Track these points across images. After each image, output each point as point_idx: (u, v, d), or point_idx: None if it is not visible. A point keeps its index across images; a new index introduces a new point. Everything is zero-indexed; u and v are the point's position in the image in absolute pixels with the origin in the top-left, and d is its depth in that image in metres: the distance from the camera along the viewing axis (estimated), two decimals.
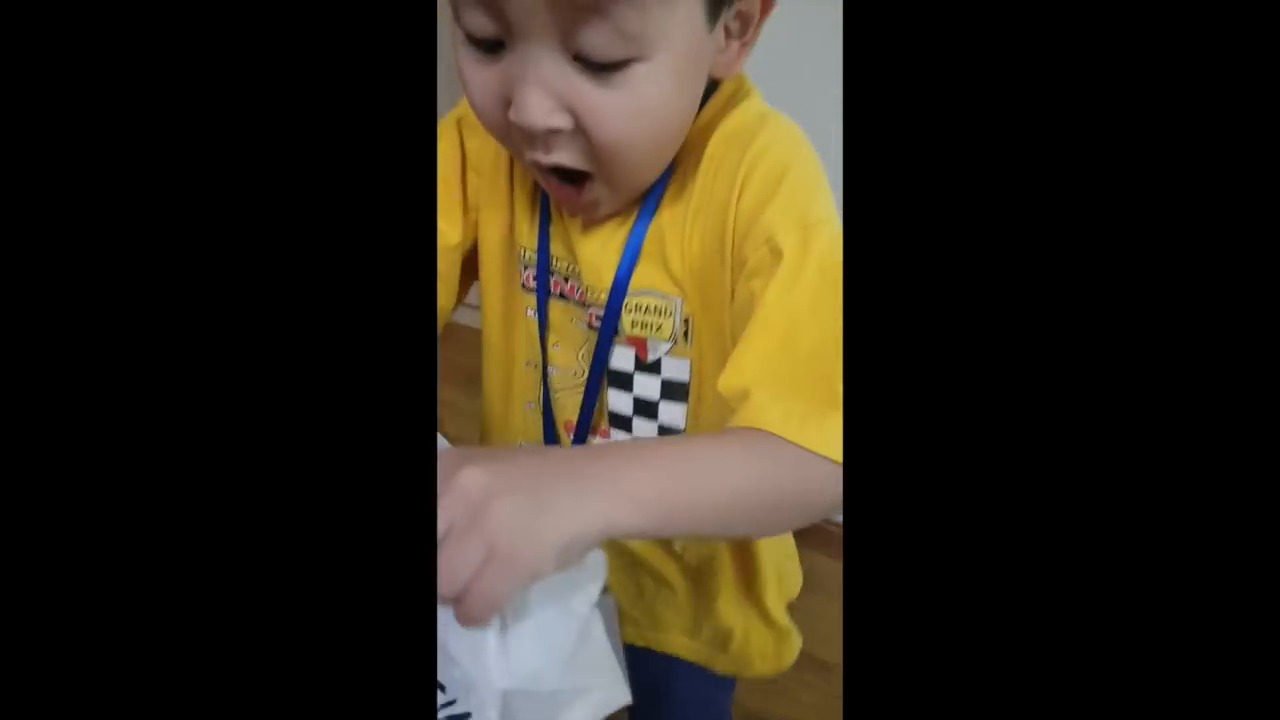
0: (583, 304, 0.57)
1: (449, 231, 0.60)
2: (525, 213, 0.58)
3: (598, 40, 0.40)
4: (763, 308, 0.46)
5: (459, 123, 0.60)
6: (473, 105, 0.47)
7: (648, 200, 0.53)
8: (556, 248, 0.57)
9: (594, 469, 0.39)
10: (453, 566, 0.34)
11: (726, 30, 0.47)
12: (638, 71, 0.42)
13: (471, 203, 0.61)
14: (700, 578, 0.66)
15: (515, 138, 0.46)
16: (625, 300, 0.55)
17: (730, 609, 0.67)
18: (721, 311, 0.53)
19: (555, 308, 0.59)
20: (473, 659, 0.38)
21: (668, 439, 0.55)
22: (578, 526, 0.37)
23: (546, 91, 0.42)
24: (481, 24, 0.42)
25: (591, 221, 0.55)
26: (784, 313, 0.45)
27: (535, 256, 0.58)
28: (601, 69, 0.42)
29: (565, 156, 0.46)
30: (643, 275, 0.54)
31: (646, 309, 0.55)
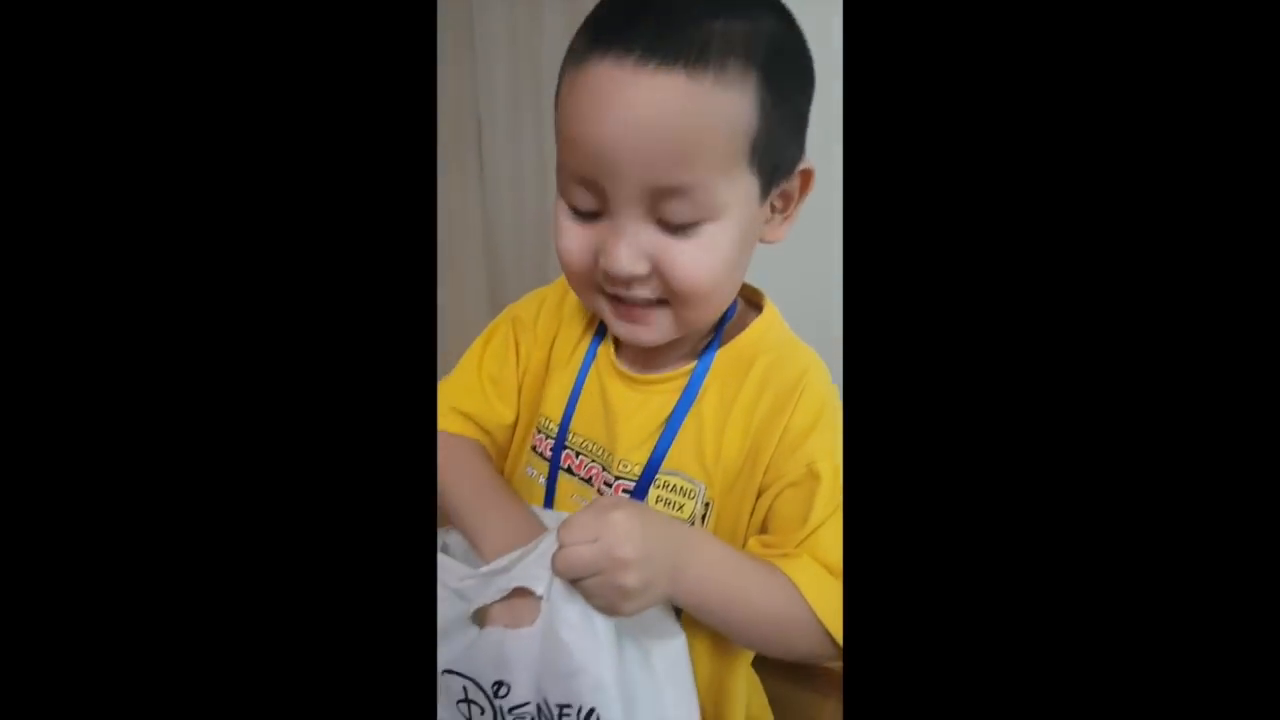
0: (589, 481, 0.66)
1: (505, 412, 0.71)
2: (558, 388, 0.69)
3: (678, 210, 0.53)
4: (815, 511, 0.58)
5: (513, 322, 0.73)
6: (562, 255, 0.58)
7: (688, 389, 0.63)
8: (584, 425, 0.66)
9: (682, 547, 0.54)
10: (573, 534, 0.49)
11: (773, 205, 0.59)
12: (707, 229, 0.54)
13: (523, 388, 0.73)
14: None
15: (599, 280, 0.58)
16: (655, 477, 0.62)
17: None
18: (736, 501, 0.62)
19: (564, 480, 0.66)
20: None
21: (741, 554, 0.60)
22: (656, 596, 0.52)
23: (632, 245, 0.54)
24: (585, 200, 0.55)
25: (638, 378, 0.65)
26: (831, 517, 0.59)
27: (556, 429, 0.67)
28: (679, 228, 0.54)
29: (644, 292, 0.57)
30: (675, 458, 0.62)
31: (673, 488, 0.62)
